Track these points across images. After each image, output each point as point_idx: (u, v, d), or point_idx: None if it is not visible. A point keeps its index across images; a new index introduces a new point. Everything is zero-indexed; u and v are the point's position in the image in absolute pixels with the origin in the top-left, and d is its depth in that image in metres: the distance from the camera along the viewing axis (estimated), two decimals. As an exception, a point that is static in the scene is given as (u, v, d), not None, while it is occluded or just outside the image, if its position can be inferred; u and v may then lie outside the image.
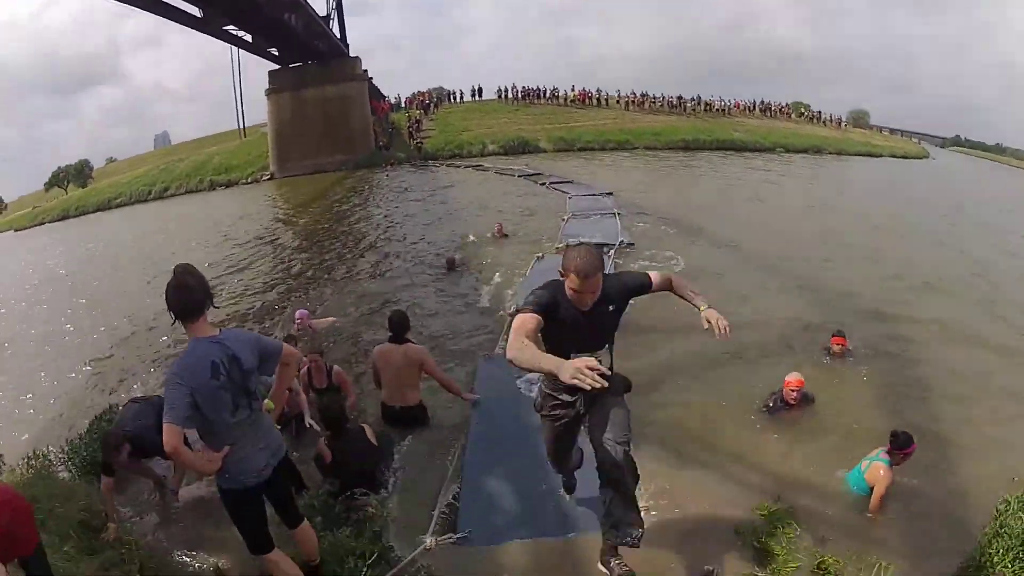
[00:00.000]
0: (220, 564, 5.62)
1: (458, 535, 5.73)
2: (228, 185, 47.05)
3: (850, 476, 6.92)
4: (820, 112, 68.72)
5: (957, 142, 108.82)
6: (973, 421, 8.41)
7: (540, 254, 14.52)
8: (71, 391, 11.35)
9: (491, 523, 6.00)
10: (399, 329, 7.63)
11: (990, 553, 5.96)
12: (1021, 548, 5.94)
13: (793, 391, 7.96)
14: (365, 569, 5.18)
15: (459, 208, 22.97)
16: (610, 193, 22.95)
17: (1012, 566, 5.93)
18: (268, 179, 46.01)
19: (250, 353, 4.18)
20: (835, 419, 8.14)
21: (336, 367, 8.14)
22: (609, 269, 12.68)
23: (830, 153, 51.97)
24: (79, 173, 72.38)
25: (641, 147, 45.58)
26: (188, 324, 3.98)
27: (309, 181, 40.74)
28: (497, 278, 13.57)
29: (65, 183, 72.13)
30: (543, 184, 26.75)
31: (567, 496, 6.26)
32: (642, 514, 5.29)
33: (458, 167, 38.88)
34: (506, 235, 16.92)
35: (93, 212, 50.99)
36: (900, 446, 6.70)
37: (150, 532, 6.18)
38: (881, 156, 57.56)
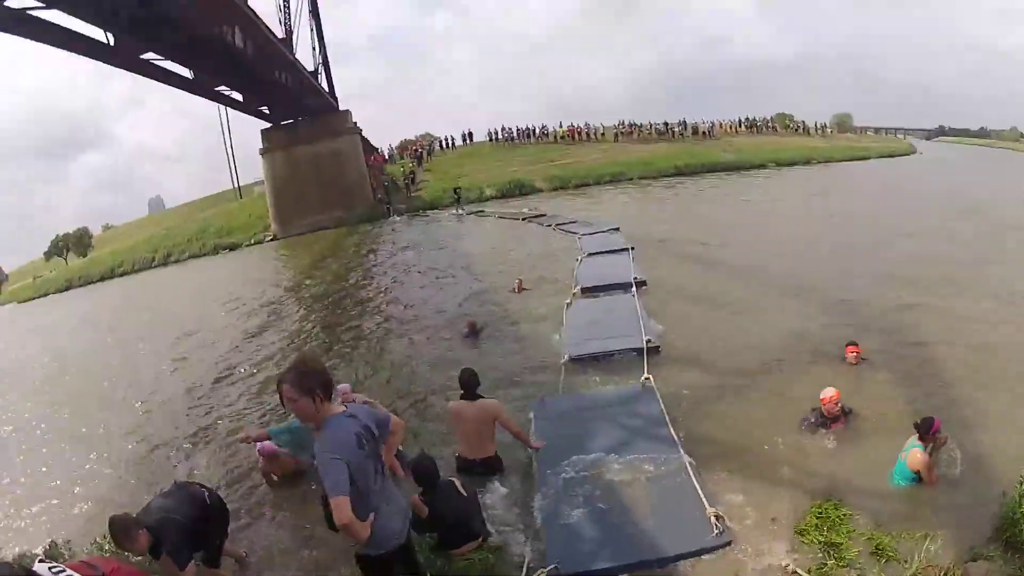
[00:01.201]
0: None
1: (548, 568, 6.08)
2: (231, 248, 47.09)
3: (895, 471, 7.42)
4: (804, 122, 70.83)
5: (942, 132, 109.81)
6: (993, 405, 8.88)
7: (569, 300, 14.86)
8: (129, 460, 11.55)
9: (577, 551, 6.41)
10: (470, 386, 8.01)
11: (1021, 513, 6.48)
12: None
13: (835, 405, 8.33)
14: None
15: (470, 261, 22.83)
16: (616, 228, 23.43)
17: None
18: (271, 240, 46.11)
19: (374, 423, 4.50)
20: (867, 423, 8.60)
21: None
22: (637, 307, 13.49)
23: (819, 162, 52.96)
24: (79, 241, 73.23)
25: (635, 177, 46.24)
26: (325, 403, 4.23)
27: (312, 240, 40.81)
28: (528, 330, 13.84)
29: (65, 251, 72.76)
30: (549, 226, 27.02)
31: (650, 517, 6.78)
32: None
33: (458, 215, 38.98)
34: (526, 288, 16.75)
35: (97, 281, 50.94)
36: (925, 430, 7.24)
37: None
38: (869, 158, 58.39)
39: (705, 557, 6.41)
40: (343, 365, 13.95)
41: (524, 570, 6.16)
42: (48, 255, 74.89)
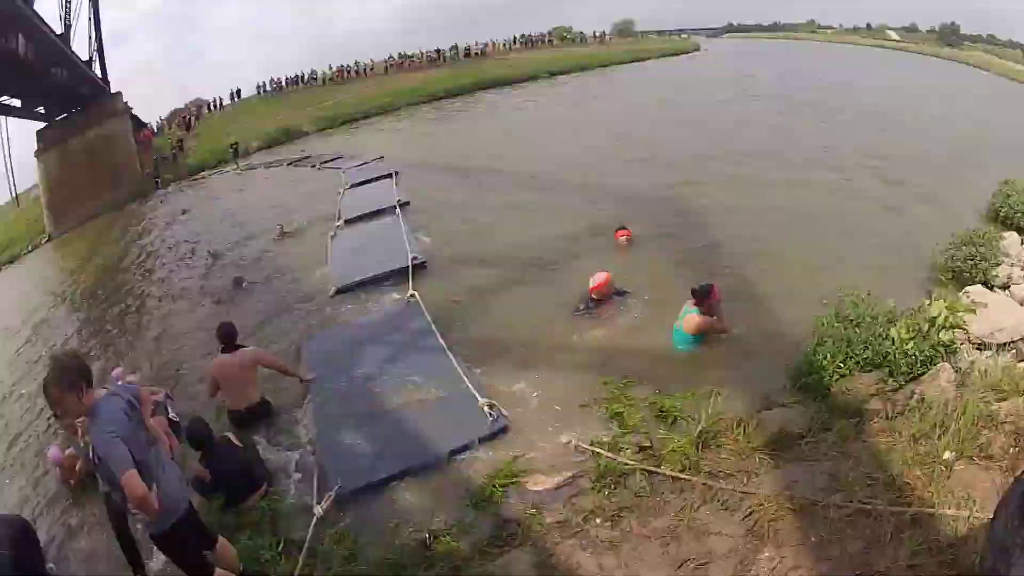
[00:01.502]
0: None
1: (335, 491, 6.32)
2: (11, 261, 43.46)
3: (675, 339, 7.99)
4: (582, 32, 71.58)
5: (730, 29, 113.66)
6: (771, 270, 9.84)
7: (332, 233, 14.97)
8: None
9: (359, 468, 6.69)
10: (229, 339, 8.08)
11: (817, 359, 7.20)
12: (844, 348, 7.30)
13: (605, 289, 8.97)
14: (280, 559, 5.69)
15: (236, 218, 22.10)
16: (381, 157, 23.62)
17: (841, 365, 7.23)
18: (47, 242, 43.03)
19: (134, 396, 4.70)
20: (642, 301, 9.18)
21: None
22: (401, 226, 13.79)
23: (594, 68, 53.58)
24: None
25: (403, 105, 45.75)
26: (89, 391, 4.38)
27: (84, 231, 38.26)
28: (295, 272, 13.73)
29: None
30: (314, 167, 26.66)
31: (426, 420, 7.21)
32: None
33: (224, 172, 38.02)
34: (287, 233, 16.44)
35: None
36: (702, 296, 7.82)
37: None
38: (648, 59, 59.41)
39: (484, 447, 6.83)
40: (114, 351, 13.59)
41: (314, 501, 6.32)
42: None
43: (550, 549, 5.46)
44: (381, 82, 52.63)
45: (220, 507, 6.32)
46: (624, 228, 11.08)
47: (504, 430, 6.99)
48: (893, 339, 7.52)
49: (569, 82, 47.35)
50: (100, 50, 46.85)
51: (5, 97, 36.38)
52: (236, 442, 6.78)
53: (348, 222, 15.60)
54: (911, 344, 7.45)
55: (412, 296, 10.42)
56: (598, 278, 9.02)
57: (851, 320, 7.87)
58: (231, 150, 40.30)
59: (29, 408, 12.56)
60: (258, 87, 56.53)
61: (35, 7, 30.54)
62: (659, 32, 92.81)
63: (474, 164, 19.94)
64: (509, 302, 10.13)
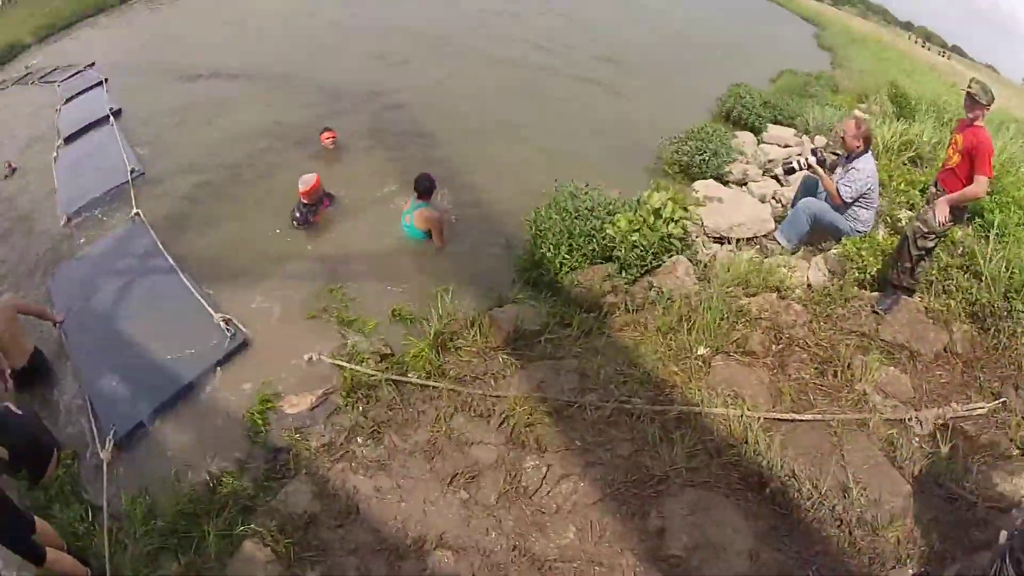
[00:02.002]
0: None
1: (112, 437, 6.36)
2: None
3: (405, 229, 8.43)
4: None
5: None
6: (490, 157, 10.09)
7: (54, 155, 14.22)
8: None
9: (125, 410, 6.76)
10: None
11: (541, 252, 7.65)
12: (563, 239, 7.68)
13: (309, 192, 9.18)
14: (91, 525, 5.66)
15: None
16: (92, 64, 21.96)
17: (567, 257, 7.68)
18: None
19: None
20: (357, 201, 9.46)
21: None
22: (119, 141, 13.33)
23: None
24: None
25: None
26: None
27: None
28: (25, 206, 12.80)
29: None
30: (33, 84, 23.60)
31: (172, 346, 7.37)
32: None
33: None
34: (16, 167, 14.42)
35: None
36: (426, 190, 8.27)
37: None
38: None
39: (231, 366, 7.11)
40: None
41: (100, 449, 6.29)
42: None
43: (324, 475, 5.57)
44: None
45: (28, 490, 6.04)
46: (329, 129, 11.21)
47: (244, 345, 7.31)
48: (615, 230, 7.81)
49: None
50: None
51: None
52: (16, 410, 5.98)
53: (67, 140, 14.84)
54: (636, 236, 7.72)
55: (136, 214, 10.37)
56: (306, 180, 9.24)
57: (568, 211, 8.21)
58: None
59: None
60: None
61: None
62: None
63: (187, 62, 19.04)
64: (231, 213, 10.17)
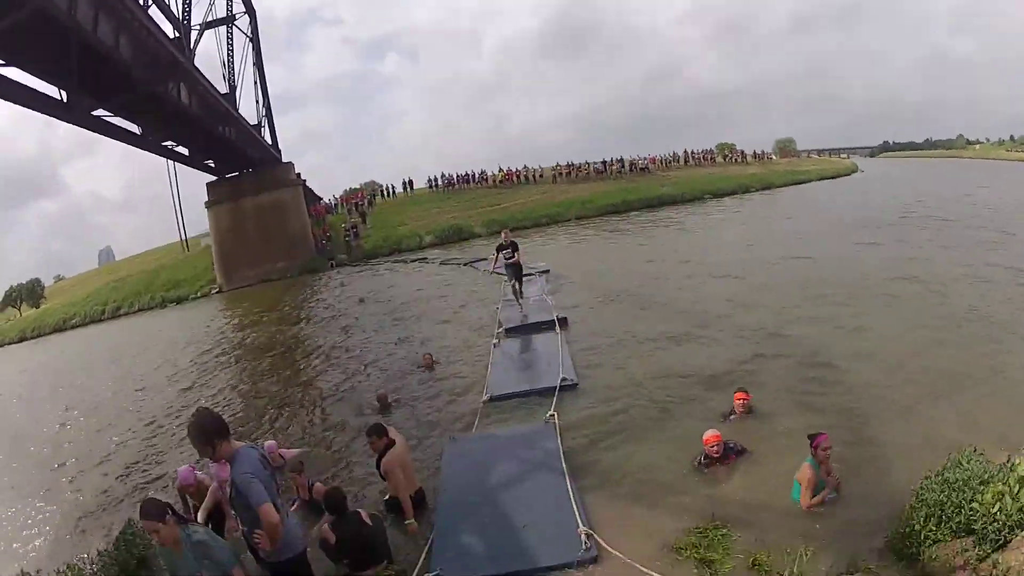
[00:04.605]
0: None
1: (433, 573, 6.91)
2: (178, 301, 47.59)
3: (793, 492, 8.15)
4: (743, 152, 72.08)
5: (886, 148, 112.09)
6: (884, 421, 9.57)
7: (494, 340, 15.55)
8: (82, 504, 12.37)
9: (458, 562, 7.19)
10: (382, 430, 8.40)
11: (912, 523, 7.15)
12: (938, 513, 7.11)
13: (716, 446, 8.77)
14: None
15: (404, 314, 22.97)
16: (546, 270, 24.29)
17: (934, 530, 7.12)
18: (217, 292, 46.51)
19: (264, 452, 5.68)
20: (760, 457, 9.22)
21: (317, 483, 9.13)
22: (560, 344, 14.19)
23: (756, 190, 53.99)
24: (31, 292, 75.03)
25: (572, 217, 46.97)
26: (225, 443, 5.27)
27: (257, 292, 41.21)
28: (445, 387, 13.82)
29: (19, 303, 73.76)
30: (486, 271, 26.86)
31: (529, 535, 7.53)
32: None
33: (403, 262, 39.52)
34: (437, 363, 15.32)
35: (50, 333, 52.55)
36: (811, 442, 7.96)
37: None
38: (809, 181, 59.85)
39: (573, 571, 6.98)
40: (277, 412, 14.74)
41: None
42: (2, 306, 76.56)
43: None
44: (550, 190, 54.23)
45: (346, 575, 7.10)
46: (743, 391, 10.97)
47: (595, 560, 7.09)
48: (980, 502, 7.21)
49: (731, 205, 47.56)
50: (269, 117, 50.99)
51: (172, 143, 38.85)
52: (366, 519, 7.32)
53: (508, 331, 16.12)
54: (997, 507, 7.07)
55: (551, 416, 10.67)
56: (708, 435, 8.89)
57: (949, 482, 7.59)
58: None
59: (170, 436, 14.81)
60: (430, 181, 59.65)
61: (196, 64, 32.76)
62: (819, 151, 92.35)
63: (635, 285, 20.39)
64: (635, 438, 10.12)
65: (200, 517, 7.80)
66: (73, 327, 51.77)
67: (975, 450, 7.45)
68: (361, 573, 7.13)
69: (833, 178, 64.64)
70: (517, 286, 18.61)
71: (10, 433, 20.10)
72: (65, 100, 24.10)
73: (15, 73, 21.88)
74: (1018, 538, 6.64)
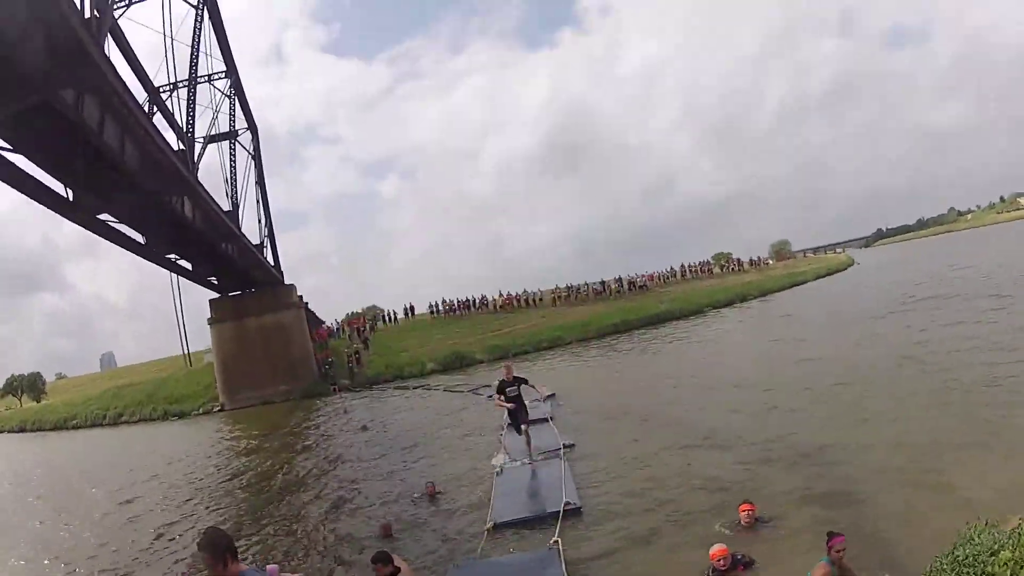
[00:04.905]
0: None
1: None
2: (180, 416, 47.81)
3: None
4: (739, 260, 74.85)
5: (880, 236, 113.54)
6: (890, 508, 9.74)
7: (497, 469, 15.74)
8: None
9: None
10: (386, 558, 8.75)
11: None
12: None
13: (720, 560, 8.84)
14: None
15: (406, 442, 22.97)
16: (552, 395, 24.40)
17: None
18: (219, 411, 46.70)
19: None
20: (771, 565, 9.42)
21: None
22: (563, 470, 14.38)
23: (754, 298, 55.50)
24: (32, 385, 77.12)
25: (573, 340, 47.47)
26: (234, 563, 5.27)
27: (259, 413, 41.33)
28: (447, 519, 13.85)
29: (19, 392, 75.23)
30: (490, 397, 26.98)
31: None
32: None
33: (405, 388, 39.89)
34: (439, 493, 15.28)
35: (50, 429, 54.19)
36: (827, 542, 8.20)
37: None
38: (806, 282, 61.65)
39: None
40: (275, 535, 14.91)
41: None
42: (2, 392, 78.81)
43: None
44: (550, 314, 55.00)
45: None
46: (748, 503, 11.11)
47: None
48: (990, 574, 7.06)
49: (731, 315, 48.82)
50: (271, 236, 52.12)
51: (175, 256, 39.39)
52: None
53: (512, 459, 16.27)
54: (1008, 575, 6.89)
55: (555, 543, 10.73)
56: (714, 549, 8.97)
57: (959, 560, 7.71)
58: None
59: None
60: (431, 306, 60.71)
61: (199, 178, 33.22)
62: (814, 249, 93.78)
63: (639, 407, 20.58)
64: (649, 552, 10.28)
65: None
66: (75, 427, 52.84)
67: (986, 524, 7.68)
68: None
69: (829, 274, 66.38)
70: (525, 430, 16.40)
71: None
72: (71, 199, 24.32)
73: (23, 162, 22.04)
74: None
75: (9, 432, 56.93)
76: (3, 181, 22.02)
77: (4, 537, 18.97)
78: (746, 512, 10.45)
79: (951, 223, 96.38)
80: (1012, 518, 7.69)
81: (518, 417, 16.56)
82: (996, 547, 7.12)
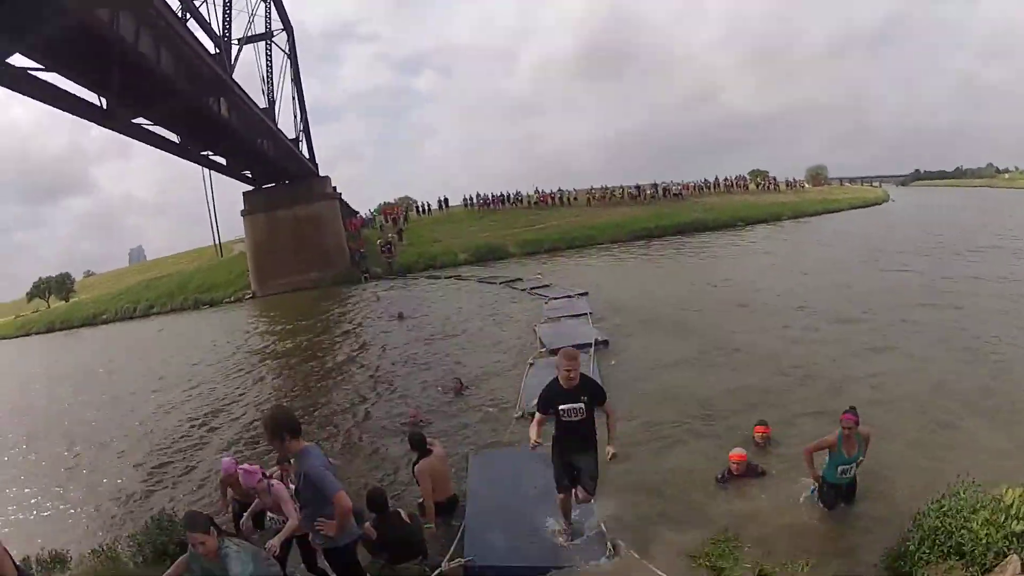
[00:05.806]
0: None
1: (465, 559, 7.41)
2: (211, 304, 48.56)
3: (826, 474, 8.27)
4: (775, 179, 72.94)
5: (917, 176, 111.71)
6: (900, 448, 9.64)
7: (531, 360, 15.70)
8: (116, 487, 13.00)
9: (488, 552, 7.64)
10: (421, 442, 9.03)
11: (908, 545, 7.31)
12: (932, 537, 7.27)
13: (736, 464, 9.06)
14: None
15: (438, 330, 23.23)
16: (585, 293, 24.14)
17: (928, 552, 7.26)
18: (250, 298, 47.31)
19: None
20: (778, 479, 9.34)
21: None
22: (592, 365, 14.04)
23: (788, 218, 54.02)
24: (61, 285, 75.58)
25: (606, 241, 47.19)
26: (294, 440, 5.52)
27: (290, 299, 41.77)
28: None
29: (47, 294, 74.80)
30: (524, 290, 27.76)
31: (559, 535, 7.87)
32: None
33: (437, 279, 39.81)
34: (466, 387, 14.99)
35: (79, 327, 53.84)
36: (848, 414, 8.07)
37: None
38: (840, 210, 59.76)
39: (596, 571, 7.34)
40: (315, 428, 14.60)
41: (445, 560, 7.37)
42: (30, 296, 77.18)
43: None
44: (583, 213, 54.44)
45: (379, 569, 7.54)
46: (763, 424, 11.00)
47: (616, 561, 7.47)
48: (970, 528, 7.19)
49: (763, 231, 48.03)
50: (307, 131, 51.67)
51: (210, 153, 39.46)
52: (405, 517, 7.82)
53: (551, 352, 15.82)
54: (985, 533, 7.11)
55: None
56: (735, 452, 9.24)
57: (945, 510, 7.73)
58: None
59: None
60: (465, 200, 59.69)
61: (235, 77, 32.89)
62: (851, 180, 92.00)
63: (670, 310, 20.50)
64: (661, 455, 10.41)
65: (245, 521, 8.18)
66: (104, 322, 53.12)
67: (973, 481, 7.69)
68: (398, 566, 7.67)
69: (865, 207, 64.47)
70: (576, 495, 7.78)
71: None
72: (105, 107, 24.47)
73: (56, 79, 22.18)
74: (1000, 564, 6.93)
75: (36, 334, 56.95)
76: (41, 100, 22.27)
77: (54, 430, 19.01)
78: (761, 433, 10.47)
79: (989, 178, 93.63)
80: (1001, 484, 7.57)
81: (573, 463, 7.49)
82: (978, 506, 7.42)
